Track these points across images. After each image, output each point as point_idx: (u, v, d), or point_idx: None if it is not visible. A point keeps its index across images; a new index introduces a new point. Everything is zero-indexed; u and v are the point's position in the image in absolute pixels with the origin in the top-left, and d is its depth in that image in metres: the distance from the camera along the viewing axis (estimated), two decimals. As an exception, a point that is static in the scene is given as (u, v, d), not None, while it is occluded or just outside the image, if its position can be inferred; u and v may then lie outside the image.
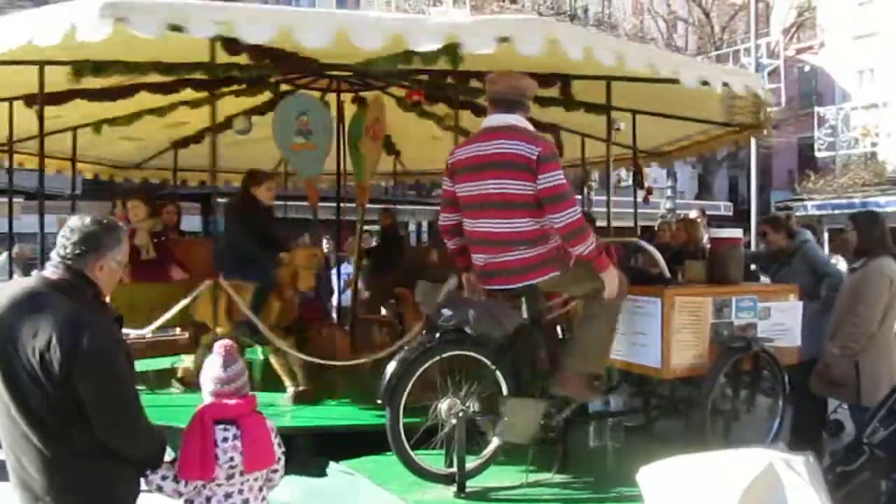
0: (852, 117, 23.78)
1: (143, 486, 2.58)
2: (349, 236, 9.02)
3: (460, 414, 3.54)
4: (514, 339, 3.72)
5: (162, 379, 5.74)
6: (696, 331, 3.96)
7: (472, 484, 3.65)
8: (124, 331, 3.42)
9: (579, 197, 6.36)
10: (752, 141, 13.17)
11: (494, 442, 3.75)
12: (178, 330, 6.73)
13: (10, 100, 5.55)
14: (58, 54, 4.40)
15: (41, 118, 5.03)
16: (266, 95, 6.66)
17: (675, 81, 4.59)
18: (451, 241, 3.98)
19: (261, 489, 2.76)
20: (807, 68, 29.20)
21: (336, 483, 4.05)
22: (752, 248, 12.64)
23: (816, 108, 24.68)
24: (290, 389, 5.17)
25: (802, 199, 23.42)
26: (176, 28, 3.71)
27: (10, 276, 7.73)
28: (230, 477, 2.65)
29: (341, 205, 7.94)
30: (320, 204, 7.48)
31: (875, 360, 4.54)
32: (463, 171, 3.72)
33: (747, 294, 4.17)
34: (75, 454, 2.35)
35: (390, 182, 11.28)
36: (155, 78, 5.19)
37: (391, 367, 3.56)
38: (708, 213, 10.29)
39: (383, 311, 7.77)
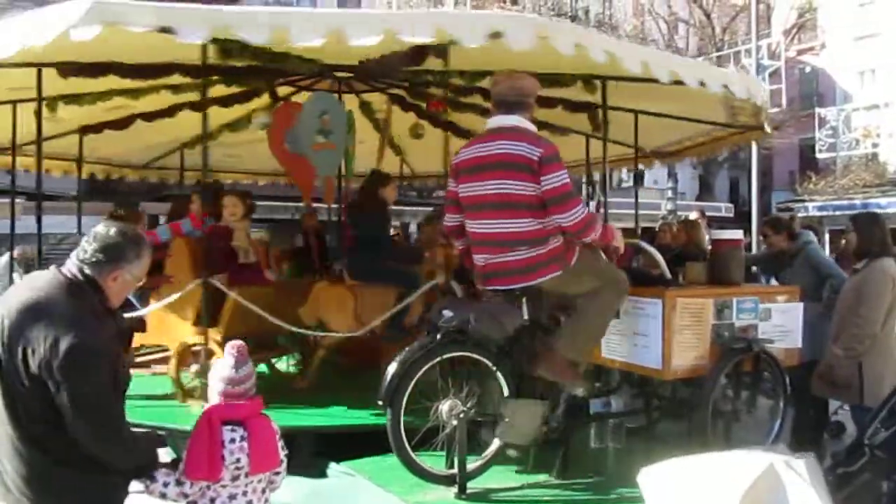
0: (853, 118, 23.77)
1: (133, 487, 2.59)
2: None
3: (461, 415, 3.55)
4: (515, 340, 3.73)
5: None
6: (697, 332, 3.96)
7: (473, 485, 3.65)
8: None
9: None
10: (753, 142, 13.16)
11: (495, 443, 3.75)
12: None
13: (14, 102, 5.57)
14: (57, 56, 4.41)
15: (39, 120, 5.07)
16: (266, 99, 6.68)
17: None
18: (457, 242, 4.06)
19: (263, 491, 2.77)
20: (808, 69, 29.19)
21: (337, 484, 4.05)
22: (754, 249, 12.64)
23: (817, 109, 24.66)
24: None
25: (803, 201, 23.40)
26: (167, 30, 3.69)
27: (11, 278, 7.74)
28: (235, 478, 2.66)
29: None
30: (320, 204, 7.50)
31: (878, 361, 4.54)
32: (465, 172, 3.75)
33: (748, 295, 4.17)
34: (58, 461, 2.33)
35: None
36: (154, 81, 5.21)
37: (392, 368, 3.57)
38: (709, 214, 10.30)
39: None
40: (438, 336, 3.63)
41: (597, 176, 8.61)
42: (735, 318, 4.08)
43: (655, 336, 3.91)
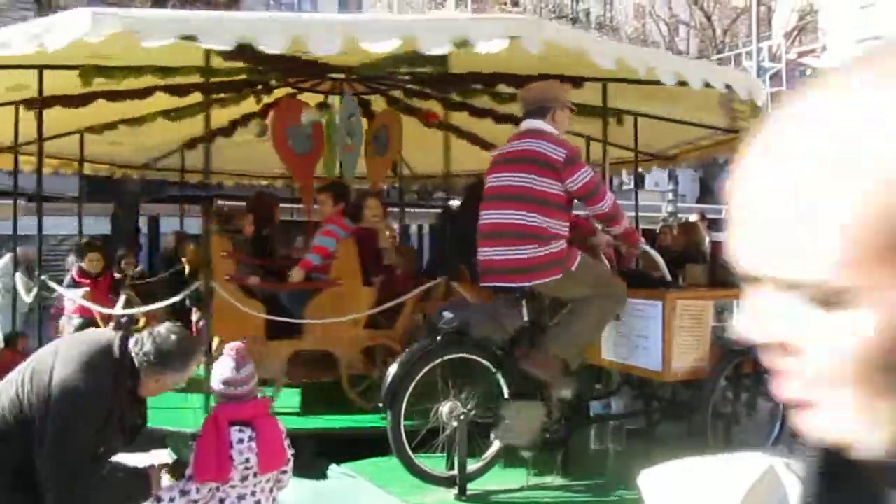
0: (854, 120, 23.74)
1: None
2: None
3: (461, 417, 3.55)
4: (515, 342, 3.73)
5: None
6: (698, 334, 3.96)
7: (474, 487, 3.66)
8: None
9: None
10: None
11: (496, 445, 3.75)
12: None
13: (16, 104, 5.58)
14: (57, 58, 4.42)
15: (40, 121, 5.08)
16: (266, 99, 6.68)
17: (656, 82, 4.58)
18: None
19: (271, 490, 2.78)
20: (809, 72, 29.20)
21: (337, 485, 4.05)
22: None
23: (818, 111, 24.65)
24: None
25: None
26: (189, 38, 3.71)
27: (14, 279, 7.73)
28: (244, 478, 2.67)
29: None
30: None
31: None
32: (492, 166, 3.94)
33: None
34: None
35: (390, 184, 11.27)
36: (153, 82, 5.22)
37: (392, 370, 3.57)
38: (709, 216, 10.28)
39: None
40: (439, 338, 3.63)
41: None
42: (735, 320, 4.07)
43: (655, 338, 3.91)
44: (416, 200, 17.94)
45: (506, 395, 3.72)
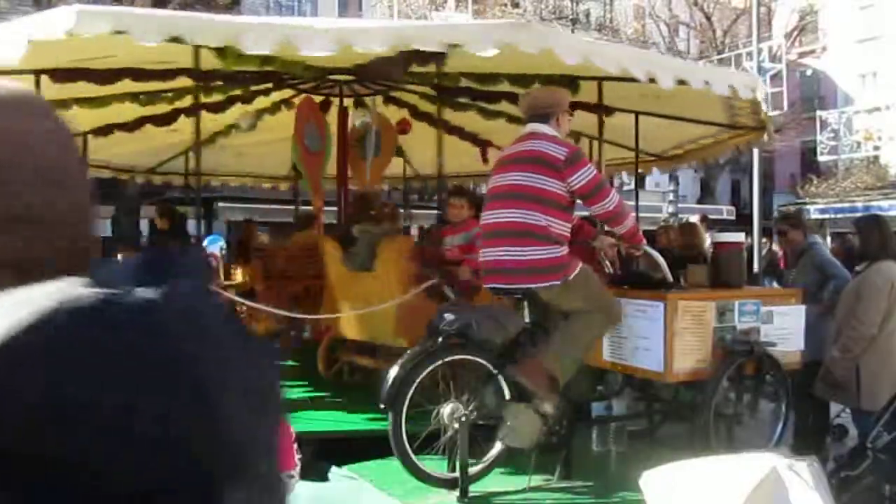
0: (855, 121, 23.75)
1: None
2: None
3: (463, 419, 3.54)
4: (516, 344, 3.72)
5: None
6: (699, 335, 3.95)
7: (475, 489, 3.65)
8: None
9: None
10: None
11: (497, 447, 3.75)
12: None
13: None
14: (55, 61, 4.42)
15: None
16: (266, 101, 6.70)
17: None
18: None
19: None
20: (809, 72, 29.17)
21: (339, 488, 4.05)
22: (755, 252, 12.58)
23: (819, 112, 24.65)
24: None
25: (805, 203, 23.37)
26: (176, 39, 3.70)
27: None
28: None
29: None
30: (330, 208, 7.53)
31: (876, 363, 4.53)
32: (496, 168, 3.97)
33: (750, 298, 4.17)
34: None
35: (390, 184, 11.27)
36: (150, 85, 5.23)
37: (393, 372, 3.56)
38: (710, 216, 10.29)
39: None
40: (440, 339, 3.63)
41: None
42: (737, 321, 4.07)
43: (657, 339, 3.90)
44: (418, 201, 17.96)
45: (507, 397, 3.71)
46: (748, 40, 18.30)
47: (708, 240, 6.95)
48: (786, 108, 17.55)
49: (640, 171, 8.14)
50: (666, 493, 2.98)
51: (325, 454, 4.36)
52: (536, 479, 3.80)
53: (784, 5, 26.47)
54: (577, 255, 3.81)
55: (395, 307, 4.96)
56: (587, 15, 25.95)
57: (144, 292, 0.59)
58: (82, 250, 0.68)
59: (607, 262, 4.50)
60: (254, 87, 6.14)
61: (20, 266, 0.63)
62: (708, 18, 25.82)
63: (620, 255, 4.89)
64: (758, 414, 4.20)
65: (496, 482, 3.77)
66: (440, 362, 3.60)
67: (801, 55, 28.77)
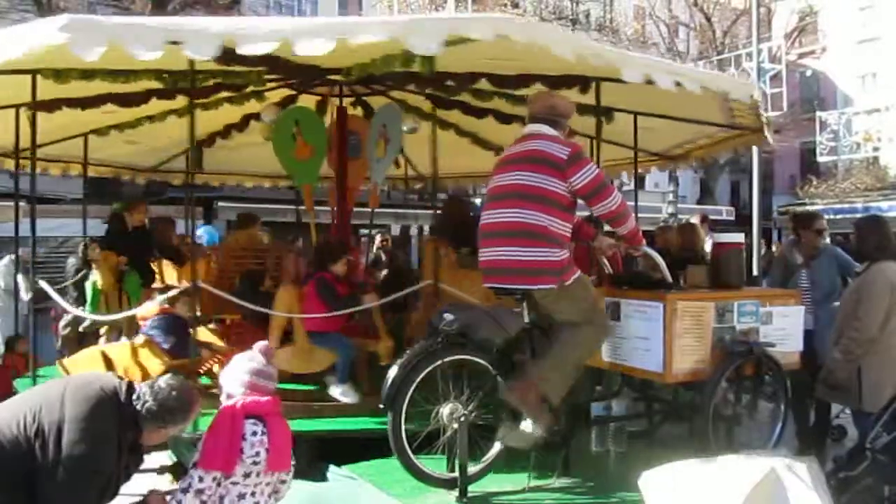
0: (854, 122, 23.77)
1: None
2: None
3: (462, 419, 3.54)
4: (516, 344, 3.73)
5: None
6: (699, 335, 3.95)
7: (474, 489, 3.65)
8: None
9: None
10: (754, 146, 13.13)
11: (497, 447, 3.75)
12: None
13: (17, 106, 5.58)
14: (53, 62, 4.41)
15: (34, 125, 5.09)
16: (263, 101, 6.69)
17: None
18: None
19: (270, 495, 2.79)
20: (809, 73, 29.22)
21: (338, 487, 4.05)
22: (755, 252, 12.58)
23: (818, 113, 24.65)
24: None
25: (804, 204, 23.39)
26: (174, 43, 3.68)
27: (16, 280, 7.72)
28: (247, 475, 2.69)
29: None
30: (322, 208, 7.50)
31: (877, 364, 4.53)
32: (497, 168, 3.92)
33: (749, 299, 4.17)
34: None
35: (391, 185, 11.27)
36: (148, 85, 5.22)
37: (393, 372, 3.56)
38: (710, 217, 10.28)
39: None
40: (439, 339, 3.63)
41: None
42: (736, 322, 4.07)
43: (657, 340, 3.90)
44: (416, 201, 17.96)
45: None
46: (748, 41, 18.31)
47: (708, 241, 6.95)
48: (785, 108, 17.55)
49: (639, 170, 8.12)
50: (665, 493, 2.99)
51: (324, 454, 4.37)
52: (536, 480, 3.81)
53: (784, 6, 26.50)
54: (576, 254, 3.80)
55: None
56: (587, 15, 25.96)
57: None
58: None
59: (606, 263, 4.49)
60: (253, 88, 6.12)
61: None
62: (708, 19, 25.84)
63: (621, 256, 4.89)
64: (757, 415, 4.20)
65: (495, 482, 3.77)
66: (440, 362, 3.60)
67: (801, 56, 28.82)
